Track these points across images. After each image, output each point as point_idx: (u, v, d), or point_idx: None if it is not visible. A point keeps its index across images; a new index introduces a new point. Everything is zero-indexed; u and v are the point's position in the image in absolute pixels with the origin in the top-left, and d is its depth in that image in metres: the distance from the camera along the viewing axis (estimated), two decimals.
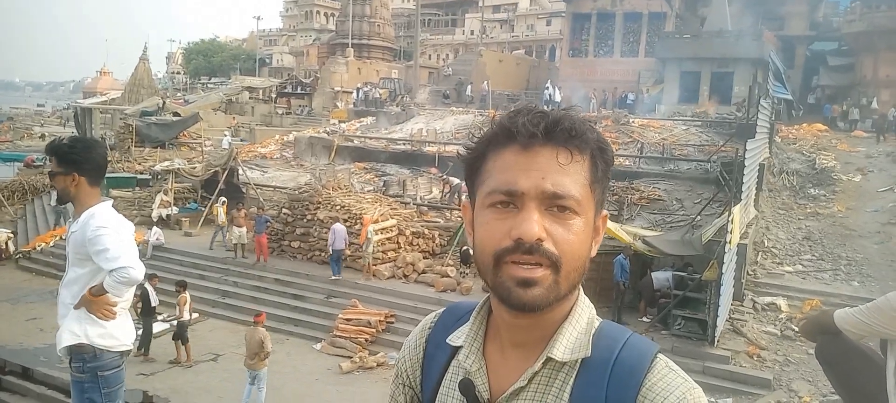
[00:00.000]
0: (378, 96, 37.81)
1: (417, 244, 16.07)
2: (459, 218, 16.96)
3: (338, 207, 15.79)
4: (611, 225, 14.04)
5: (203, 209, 19.74)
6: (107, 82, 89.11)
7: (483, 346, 1.05)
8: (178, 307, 11.88)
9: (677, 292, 12.57)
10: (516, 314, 0.95)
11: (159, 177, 22.20)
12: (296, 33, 79.40)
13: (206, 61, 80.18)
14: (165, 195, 19.82)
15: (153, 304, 11.81)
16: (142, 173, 23.95)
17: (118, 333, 3.03)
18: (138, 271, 2.93)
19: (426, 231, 16.40)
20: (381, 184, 21.18)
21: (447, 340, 1.09)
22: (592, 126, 0.96)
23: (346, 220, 15.22)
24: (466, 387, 1.02)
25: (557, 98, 32.14)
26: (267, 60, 76.58)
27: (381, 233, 15.29)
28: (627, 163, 22.02)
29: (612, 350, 0.96)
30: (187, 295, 11.94)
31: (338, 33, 55.33)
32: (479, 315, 1.07)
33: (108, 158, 3.26)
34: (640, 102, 31.77)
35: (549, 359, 0.96)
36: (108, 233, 2.89)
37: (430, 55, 59.86)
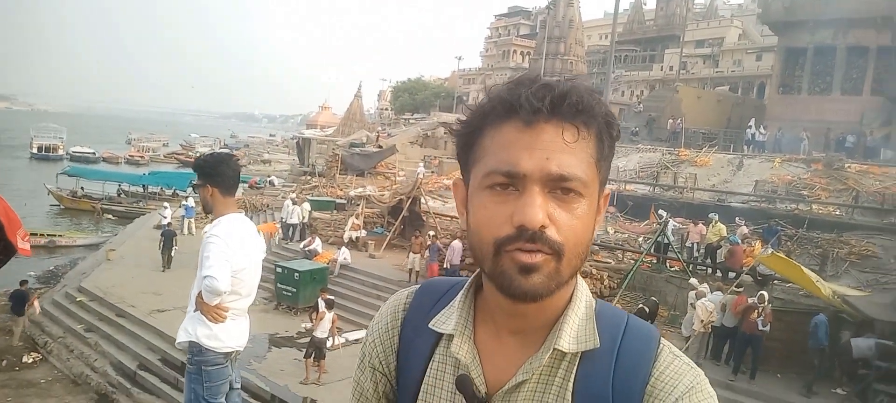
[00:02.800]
0: None
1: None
2: (631, 260, 16.28)
3: None
4: (810, 274, 12.30)
5: (388, 233, 21.26)
6: (326, 116, 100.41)
7: (473, 332, 0.96)
8: (313, 322, 11.89)
9: (881, 364, 10.79)
10: (516, 302, 0.87)
11: (353, 201, 24.42)
12: (492, 71, 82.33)
13: (411, 98, 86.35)
14: (357, 219, 21.64)
15: None
16: (340, 197, 26.55)
17: (223, 336, 3.31)
18: (221, 283, 3.11)
19: (594, 271, 15.98)
20: None
21: (429, 325, 0.99)
22: (600, 98, 0.88)
23: None
24: (464, 383, 0.92)
25: (759, 138, 29.46)
26: (464, 98, 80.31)
27: None
28: (838, 212, 19.59)
29: (614, 338, 0.91)
30: (327, 313, 11.63)
31: (530, 70, 56.27)
32: (467, 296, 0.98)
33: (241, 170, 3.66)
34: (862, 145, 27.88)
35: (555, 350, 0.89)
36: (216, 243, 3.17)
37: (623, 92, 58.33)
